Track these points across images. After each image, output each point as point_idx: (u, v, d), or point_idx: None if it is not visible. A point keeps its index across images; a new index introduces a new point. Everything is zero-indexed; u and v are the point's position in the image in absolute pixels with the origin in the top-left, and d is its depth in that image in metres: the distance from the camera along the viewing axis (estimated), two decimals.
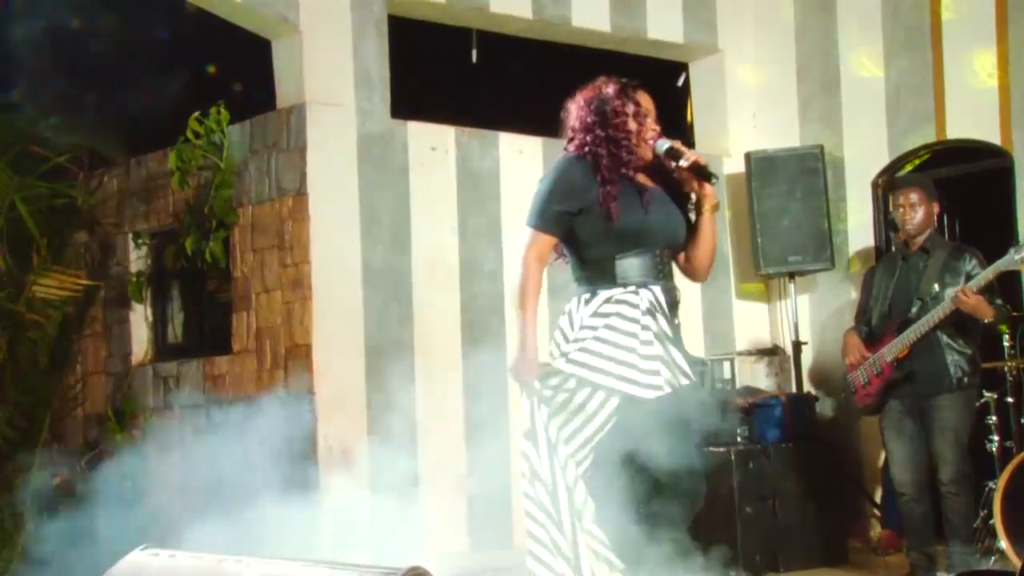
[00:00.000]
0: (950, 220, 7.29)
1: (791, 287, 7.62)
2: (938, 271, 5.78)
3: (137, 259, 7.67)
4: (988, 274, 5.54)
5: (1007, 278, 6.04)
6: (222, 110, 6.86)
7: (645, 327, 4.06)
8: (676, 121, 8.40)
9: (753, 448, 6.65)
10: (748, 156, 7.63)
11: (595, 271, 4.15)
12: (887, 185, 7.42)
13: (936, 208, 5.93)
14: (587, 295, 4.15)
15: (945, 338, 5.71)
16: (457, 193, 7.10)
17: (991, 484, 5.86)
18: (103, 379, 7.71)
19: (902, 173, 7.42)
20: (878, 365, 5.84)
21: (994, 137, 7.03)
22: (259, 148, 6.81)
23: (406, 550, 5.59)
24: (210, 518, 4.98)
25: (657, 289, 4.11)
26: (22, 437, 7.06)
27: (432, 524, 6.61)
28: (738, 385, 7.27)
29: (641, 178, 4.22)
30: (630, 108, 4.18)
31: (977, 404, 5.88)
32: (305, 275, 6.52)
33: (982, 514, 5.86)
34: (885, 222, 7.24)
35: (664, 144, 4.20)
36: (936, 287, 5.75)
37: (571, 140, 4.25)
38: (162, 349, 7.59)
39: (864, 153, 7.62)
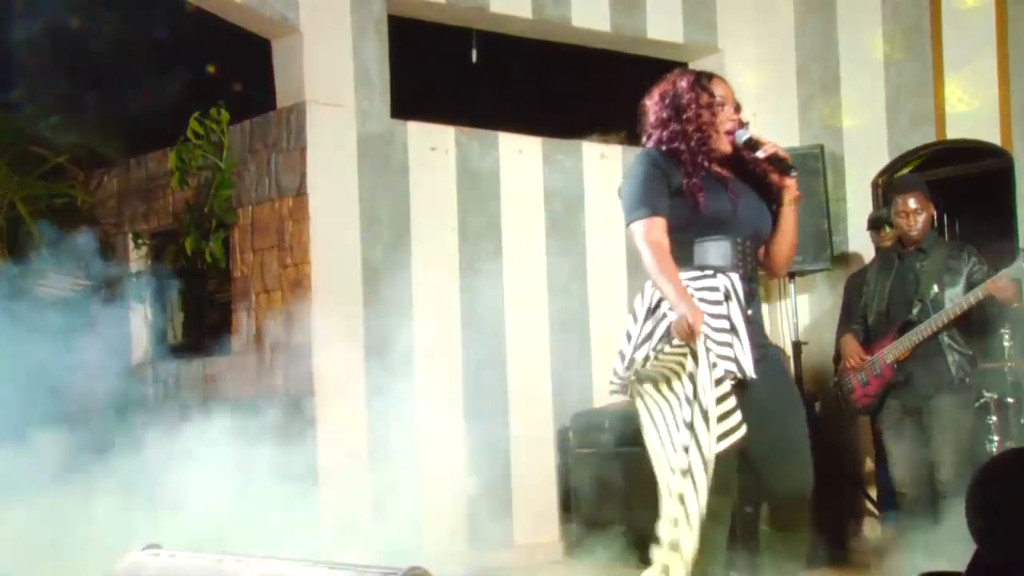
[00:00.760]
0: (950, 220, 7.29)
1: (791, 287, 7.62)
2: (937, 271, 5.78)
3: (137, 259, 7.68)
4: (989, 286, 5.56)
5: None
6: (222, 110, 6.87)
7: (718, 315, 3.95)
8: None
9: None
10: None
11: (675, 254, 4.01)
12: (887, 185, 7.42)
13: (933, 209, 5.94)
14: None
15: (946, 339, 5.71)
16: (457, 193, 7.11)
17: None
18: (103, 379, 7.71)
19: (900, 173, 7.42)
20: (878, 366, 5.84)
21: (994, 137, 7.03)
22: (259, 148, 6.82)
23: (406, 549, 5.60)
24: (206, 517, 4.99)
25: (735, 277, 4.02)
26: None
27: (432, 524, 6.62)
28: None
29: (723, 169, 4.13)
30: (704, 99, 4.09)
31: (977, 404, 5.89)
32: (305, 275, 6.53)
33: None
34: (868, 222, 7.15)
35: (743, 135, 4.10)
36: (936, 288, 5.74)
37: (649, 137, 4.17)
38: (162, 349, 7.59)
39: (864, 153, 7.62)
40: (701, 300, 3.93)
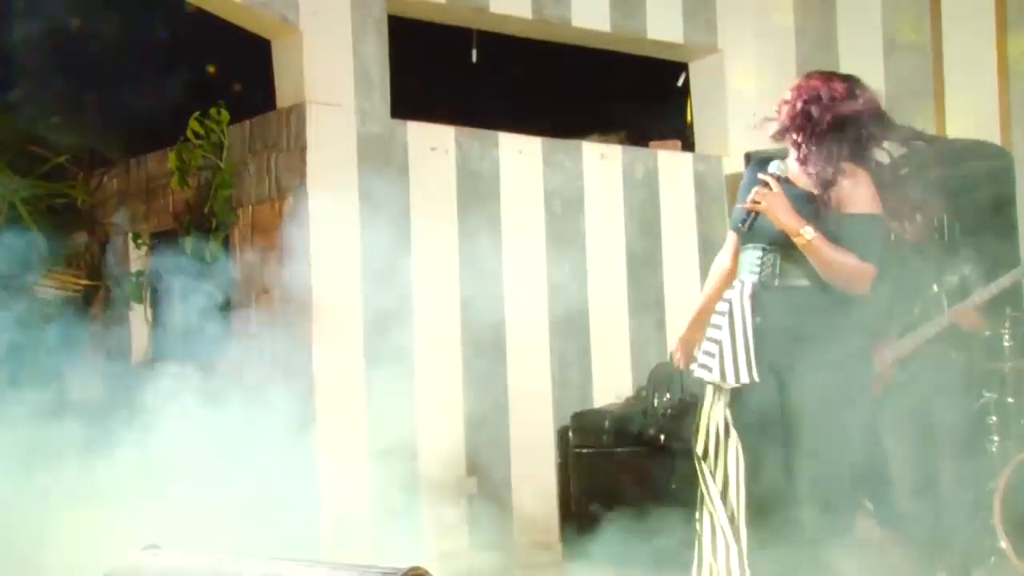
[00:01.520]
0: (950, 220, 7.28)
1: None
2: (936, 271, 5.78)
3: (137, 259, 7.68)
4: (993, 290, 5.56)
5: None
6: (222, 110, 6.87)
7: (720, 312, 4.13)
8: (676, 121, 8.41)
9: None
10: (748, 156, 7.62)
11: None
12: None
13: (932, 209, 5.92)
14: None
15: (947, 339, 5.71)
16: (457, 193, 7.11)
17: (991, 484, 5.85)
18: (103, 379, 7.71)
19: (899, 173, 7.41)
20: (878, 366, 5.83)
21: (994, 137, 7.03)
22: (259, 148, 6.82)
23: (406, 549, 5.60)
24: (206, 517, 4.98)
25: (748, 285, 4.14)
26: None
27: (432, 524, 6.62)
28: None
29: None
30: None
31: (977, 404, 5.89)
32: (305, 275, 6.53)
33: (982, 514, 5.85)
34: None
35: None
36: (935, 288, 5.75)
37: None
38: (162, 349, 7.58)
39: None
40: (716, 312, 4.17)
